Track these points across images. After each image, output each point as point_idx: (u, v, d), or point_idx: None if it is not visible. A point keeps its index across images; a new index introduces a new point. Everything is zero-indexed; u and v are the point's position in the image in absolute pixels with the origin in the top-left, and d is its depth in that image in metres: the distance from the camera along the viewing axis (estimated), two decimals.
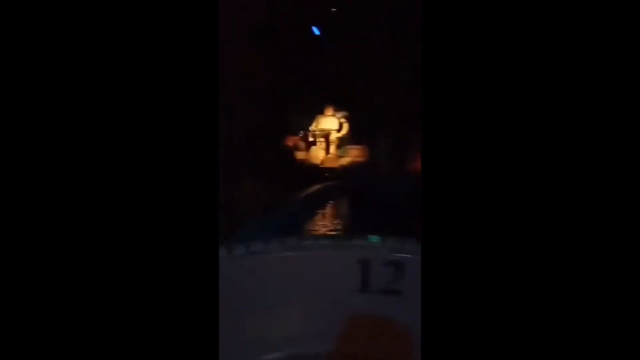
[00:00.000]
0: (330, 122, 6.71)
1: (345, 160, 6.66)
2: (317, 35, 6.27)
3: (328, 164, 6.51)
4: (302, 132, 6.70)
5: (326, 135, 6.64)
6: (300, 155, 6.53)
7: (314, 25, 6.13)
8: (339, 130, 6.72)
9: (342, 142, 6.80)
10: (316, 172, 6.20)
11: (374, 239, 0.87)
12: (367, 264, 0.84)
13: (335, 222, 3.84)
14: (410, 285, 0.82)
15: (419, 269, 0.77)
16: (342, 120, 6.71)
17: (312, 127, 6.69)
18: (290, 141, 6.55)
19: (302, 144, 6.63)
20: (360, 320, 0.85)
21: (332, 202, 4.55)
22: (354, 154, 6.71)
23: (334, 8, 6.14)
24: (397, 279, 0.84)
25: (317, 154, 6.60)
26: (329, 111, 6.68)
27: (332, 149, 6.68)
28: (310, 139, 6.69)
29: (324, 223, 3.74)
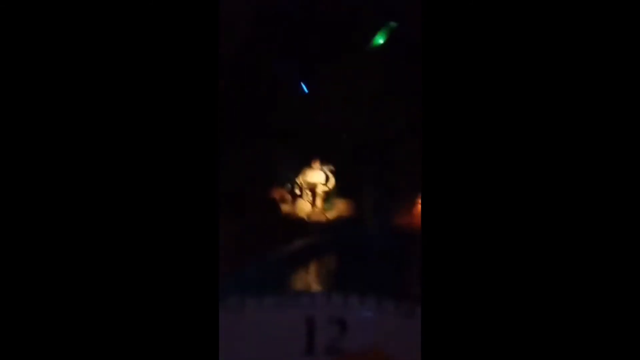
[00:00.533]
0: (316, 175, 6.66)
1: (331, 214, 6.58)
2: (306, 93, 6.29)
3: (314, 217, 6.42)
4: (288, 184, 6.64)
5: (312, 188, 6.58)
6: (285, 207, 6.45)
7: (301, 81, 6.15)
8: (325, 183, 6.67)
9: (328, 196, 6.74)
10: (302, 225, 6.11)
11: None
12: (311, 323, 0.77)
13: (318, 277, 3.74)
14: (352, 344, 0.79)
15: (361, 325, 0.81)
16: (329, 173, 6.68)
17: (299, 180, 6.64)
18: (277, 193, 6.48)
19: (288, 196, 6.56)
20: None
21: (316, 256, 4.44)
22: (340, 208, 6.64)
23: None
24: (341, 336, 0.78)
25: (303, 206, 6.52)
26: (316, 164, 6.65)
27: (319, 202, 6.61)
28: (296, 192, 6.63)
29: (307, 278, 3.64)
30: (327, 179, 6.70)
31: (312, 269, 4.04)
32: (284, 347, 0.80)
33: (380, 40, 6.05)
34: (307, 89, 6.11)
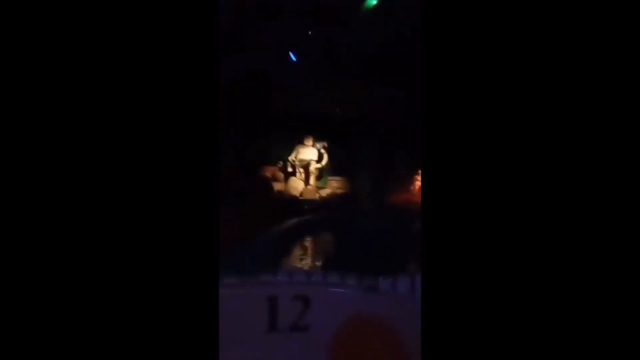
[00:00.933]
0: (309, 153, 6.53)
1: (325, 192, 6.46)
2: (294, 61, 6.05)
3: (307, 196, 6.30)
4: (280, 162, 6.51)
5: (305, 166, 6.45)
6: (278, 186, 6.31)
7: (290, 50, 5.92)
8: (318, 161, 6.55)
9: (322, 174, 6.62)
10: (294, 203, 5.99)
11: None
12: (274, 301, 0.81)
13: (312, 256, 3.63)
14: (317, 320, 0.84)
15: (325, 302, 0.84)
16: (322, 150, 6.54)
17: (291, 158, 6.50)
18: (268, 171, 6.34)
19: (280, 175, 6.42)
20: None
21: (309, 235, 4.33)
22: (334, 186, 6.53)
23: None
24: (305, 313, 0.84)
25: (296, 185, 6.39)
26: (309, 141, 6.52)
27: (312, 180, 6.48)
28: (289, 170, 6.49)
29: (299, 257, 3.54)
30: (321, 156, 6.57)
31: (305, 247, 3.93)
32: (246, 326, 0.82)
33: (373, 1, 5.85)
34: (295, 57, 5.89)
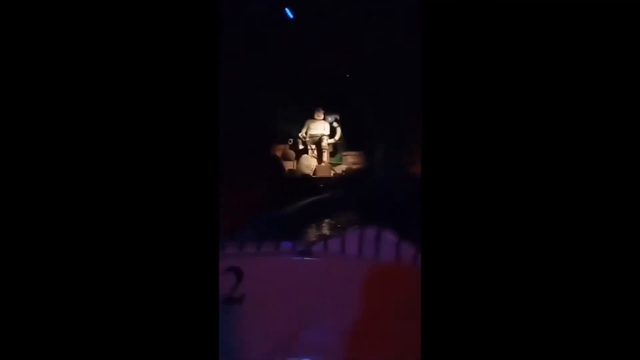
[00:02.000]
0: (321, 127, 6.12)
1: (340, 169, 6.07)
2: (292, 19, 5.36)
3: (320, 174, 5.92)
4: (290, 139, 6.11)
5: (317, 142, 6.05)
6: (289, 165, 5.93)
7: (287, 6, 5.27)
8: (331, 136, 6.14)
9: (336, 149, 6.22)
10: (308, 182, 5.61)
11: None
12: None
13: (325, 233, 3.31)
14: (251, 290, 0.86)
15: (257, 272, 0.87)
16: (335, 124, 6.13)
17: (302, 134, 6.10)
18: (278, 150, 5.95)
19: (291, 153, 6.03)
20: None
21: (324, 214, 3.99)
22: (349, 161, 6.13)
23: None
24: (238, 285, 0.84)
25: (309, 162, 6.00)
26: (319, 115, 6.10)
27: (325, 156, 6.09)
28: (300, 147, 6.10)
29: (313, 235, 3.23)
30: (333, 130, 6.16)
31: (320, 226, 3.64)
32: None
33: None
34: (293, 15, 5.29)
